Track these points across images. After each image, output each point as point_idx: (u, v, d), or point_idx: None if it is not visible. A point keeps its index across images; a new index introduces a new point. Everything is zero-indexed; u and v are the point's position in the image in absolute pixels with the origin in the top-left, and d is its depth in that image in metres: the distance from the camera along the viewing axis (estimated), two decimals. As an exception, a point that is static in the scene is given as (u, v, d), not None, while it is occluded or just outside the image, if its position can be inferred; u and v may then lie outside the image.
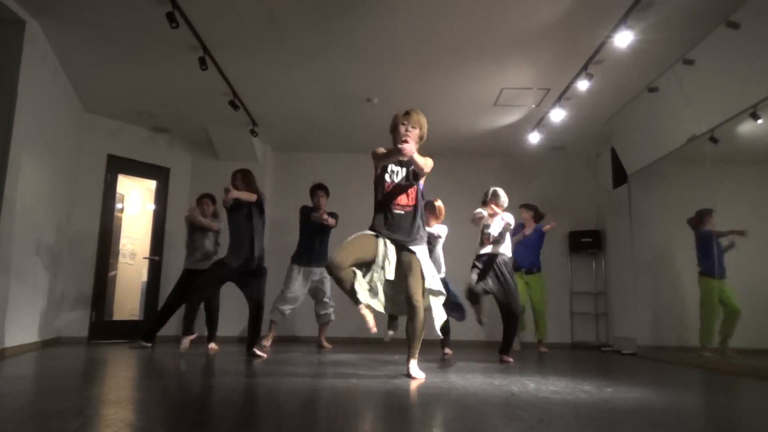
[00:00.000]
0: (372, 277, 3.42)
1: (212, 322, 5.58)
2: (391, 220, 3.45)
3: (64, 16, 4.40)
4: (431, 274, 3.44)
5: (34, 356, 4.46)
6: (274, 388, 2.86)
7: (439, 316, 3.47)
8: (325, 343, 6.02)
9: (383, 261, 3.38)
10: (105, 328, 6.36)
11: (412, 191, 3.50)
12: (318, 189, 6.02)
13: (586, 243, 7.34)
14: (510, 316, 4.80)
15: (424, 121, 3.56)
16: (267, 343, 5.80)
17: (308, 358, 4.68)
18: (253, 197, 4.66)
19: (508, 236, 4.94)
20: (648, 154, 5.83)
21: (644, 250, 6.13)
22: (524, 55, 4.87)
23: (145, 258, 6.99)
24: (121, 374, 3.62)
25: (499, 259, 4.82)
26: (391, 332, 5.54)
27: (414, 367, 3.39)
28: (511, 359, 4.70)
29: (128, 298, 7.39)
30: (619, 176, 6.72)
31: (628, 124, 5.99)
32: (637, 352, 5.91)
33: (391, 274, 3.38)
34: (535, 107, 5.99)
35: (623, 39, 4.19)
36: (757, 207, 4.66)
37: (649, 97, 5.28)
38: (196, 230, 5.66)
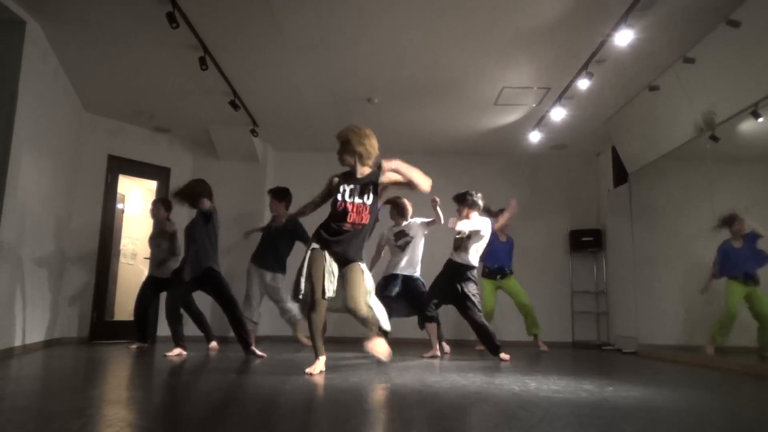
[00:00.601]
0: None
1: (201, 324, 5.56)
2: (338, 234, 3.49)
3: (64, 17, 4.40)
4: (370, 289, 3.55)
5: (35, 356, 4.46)
6: (274, 388, 2.86)
7: (383, 318, 3.62)
8: (304, 340, 5.80)
9: (329, 275, 3.45)
10: (106, 328, 6.37)
11: (365, 209, 3.51)
12: (269, 193, 5.88)
13: (587, 242, 7.33)
14: (474, 326, 4.88)
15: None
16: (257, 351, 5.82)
17: (308, 358, 4.68)
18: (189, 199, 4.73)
19: (477, 243, 4.96)
20: (649, 152, 5.83)
21: (645, 249, 6.13)
22: (525, 54, 4.87)
23: (146, 258, 6.98)
24: (122, 374, 3.62)
25: (461, 270, 4.90)
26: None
27: (373, 343, 3.46)
28: (507, 357, 4.71)
29: (129, 299, 7.37)
30: (620, 175, 6.71)
31: (629, 123, 5.99)
32: (638, 351, 5.90)
33: (331, 292, 3.44)
34: (536, 106, 5.99)
35: (624, 38, 4.19)
36: (758, 204, 4.65)
37: (650, 96, 5.28)
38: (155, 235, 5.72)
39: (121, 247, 7.18)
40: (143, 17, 4.31)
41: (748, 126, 4.43)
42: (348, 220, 3.47)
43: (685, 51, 4.58)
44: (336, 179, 3.64)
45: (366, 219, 3.51)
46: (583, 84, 5.00)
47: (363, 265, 3.55)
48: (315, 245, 3.51)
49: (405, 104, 6.04)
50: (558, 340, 7.03)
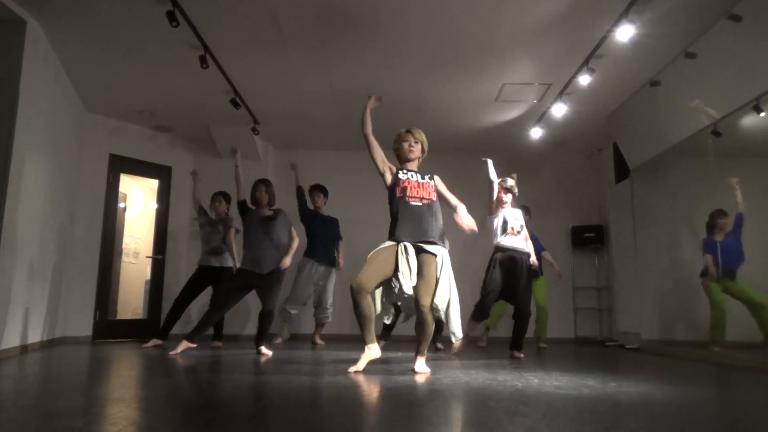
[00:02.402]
0: (392, 294, 3.48)
1: (218, 322, 5.61)
2: (409, 213, 3.44)
3: (64, 17, 4.40)
4: (444, 287, 3.36)
5: (38, 355, 4.48)
6: (278, 386, 2.86)
7: (456, 324, 3.46)
8: (318, 340, 6.17)
9: (402, 272, 3.34)
10: (109, 327, 6.38)
11: (430, 187, 3.58)
12: (315, 189, 6.32)
13: (589, 238, 7.33)
14: (520, 316, 4.80)
15: (424, 137, 3.73)
16: (278, 340, 6.14)
17: (312, 356, 4.69)
18: (240, 197, 4.86)
19: (525, 231, 4.96)
20: (650, 148, 5.82)
21: (647, 245, 6.12)
22: (525, 51, 4.86)
23: (148, 257, 7.00)
24: (125, 373, 3.63)
25: (518, 257, 4.80)
26: (382, 342, 5.59)
27: (421, 363, 3.43)
28: (522, 355, 4.69)
29: (132, 297, 7.41)
30: (622, 171, 6.70)
31: (630, 119, 5.98)
32: (641, 347, 5.91)
33: (409, 288, 3.31)
34: (537, 102, 5.98)
35: (625, 33, 4.18)
36: (760, 199, 4.65)
37: (651, 91, 5.27)
38: (205, 224, 5.72)
39: (124, 245, 7.20)
40: (143, 16, 4.31)
41: (750, 120, 4.42)
42: (416, 194, 3.48)
43: (687, 46, 4.57)
44: (393, 168, 3.65)
45: (432, 195, 3.54)
46: (584, 80, 4.99)
47: (438, 252, 3.39)
48: (386, 243, 3.44)
49: (405, 102, 6.03)
50: (560, 337, 7.04)
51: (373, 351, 3.42)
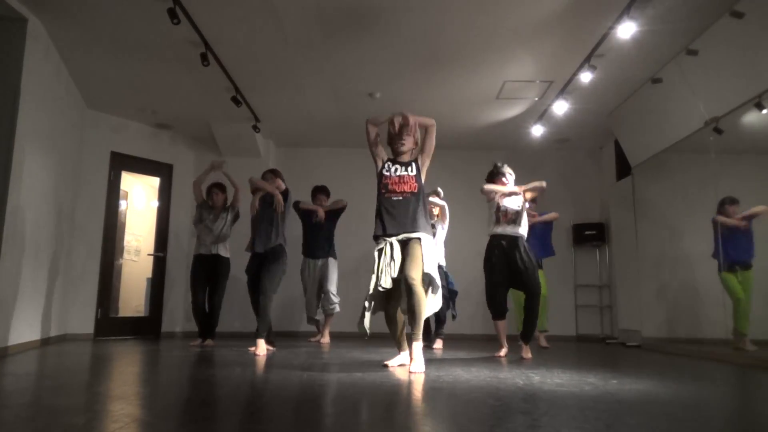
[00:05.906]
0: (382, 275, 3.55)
1: (213, 318, 5.57)
2: (391, 210, 3.58)
3: (65, 14, 4.40)
4: (431, 261, 3.50)
5: (40, 353, 4.49)
6: (279, 383, 2.87)
7: (433, 305, 3.57)
8: (326, 337, 6.02)
9: (382, 269, 3.51)
10: (111, 324, 6.39)
11: (411, 179, 3.64)
12: (317, 192, 6.29)
13: (591, 236, 7.33)
14: (530, 295, 4.43)
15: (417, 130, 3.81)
16: (315, 339, 6.20)
17: (312, 353, 4.70)
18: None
19: (525, 216, 4.67)
20: (652, 145, 5.81)
21: (648, 242, 6.12)
22: (526, 48, 4.85)
23: (149, 255, 7.01)
24: (127, 370, 3.63)
25: (513, 241, 4.51)
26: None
27: (418, 352, 3.41)
28: (530, 355, 4.39)
29: (133, 295, 7.42)
30: (623, 168, 6.70)
31: (632, 116, 5.97)
32: (642, 344, 5.91)
33: (387, 283, 3.47)
34: (538, 100, 5.97)
35: (626, 30, 4.17)
36: (762, 197, 4.64)
37: (653, 89, 5.26)
38: (208, 215, 5.69)
39: (125, 243, 7.21)
40: (145, 13, 4.30)
41: (751, 117, 4.41)
42: (396, 189, 3.60)
43: (688, 43, 4.56)
44: (383, 159, 3.78)
45: (415, 187, 3.63)
46: (586, 77, 4.98)
47: (422, 236, 3.52)
48: (379, 243, 3.59)
49: (406, 99, 6.03)
50: (561, 334, 7.04)
51: (402, 357, 3.68)
